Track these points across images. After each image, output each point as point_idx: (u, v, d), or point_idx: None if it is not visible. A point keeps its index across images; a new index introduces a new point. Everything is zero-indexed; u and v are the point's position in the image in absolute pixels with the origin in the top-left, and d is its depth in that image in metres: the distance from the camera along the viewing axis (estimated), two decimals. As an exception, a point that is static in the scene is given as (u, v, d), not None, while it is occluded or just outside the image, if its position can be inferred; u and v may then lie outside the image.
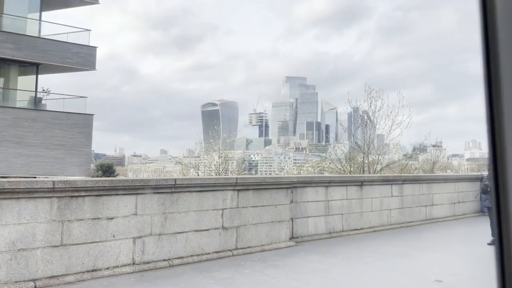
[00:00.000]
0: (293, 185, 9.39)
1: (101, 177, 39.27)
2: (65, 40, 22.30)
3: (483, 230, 9.51)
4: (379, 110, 23.98)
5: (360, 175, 18.49)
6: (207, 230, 7.71)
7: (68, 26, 22.21)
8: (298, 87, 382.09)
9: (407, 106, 23.55)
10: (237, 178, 8.30)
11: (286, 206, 9.05)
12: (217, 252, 7.79)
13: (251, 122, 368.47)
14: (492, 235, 9.61)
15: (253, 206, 8.46)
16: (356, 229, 10.84)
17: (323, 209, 10.15)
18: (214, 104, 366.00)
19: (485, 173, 16.55)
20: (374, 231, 11.11)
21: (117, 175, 64.25)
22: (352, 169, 24.64)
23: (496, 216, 0.39)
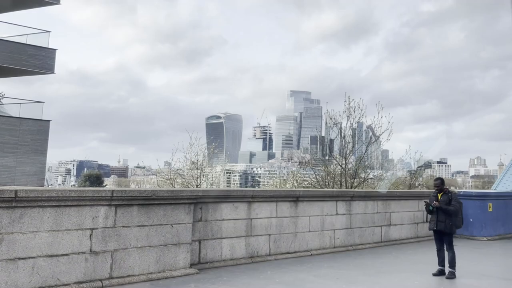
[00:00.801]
0: (200, 200, 7.88)
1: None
2: (24, 42, 21.10)
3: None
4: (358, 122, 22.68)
5: (294, 189, 16.81)
6: (67, 255, 6.20)
7: (26, 27, 20.96)
8: (303, 101, 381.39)
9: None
10: (113, 191, 6.78)
11: (187, 225, 7.53)
12: (81, 282, 6.27)
13: (255, 135, 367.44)
14: (440, 264, 8.01)
15: (138, 226, 6.95)
16: (289, 253, 9.27)
17: (244, 228, 8.61)
18: (219, 117, 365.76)
19: (460, 190, 14.98)
20: (311, 254, 9.53)
21: (105, 185, 62.70)
22: (330, 183, 23.10)
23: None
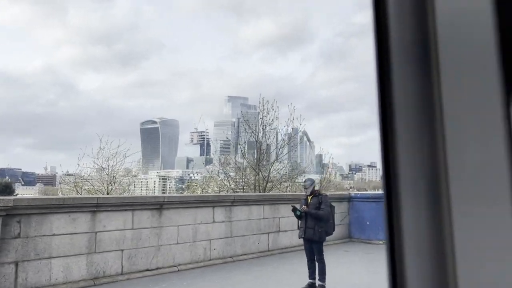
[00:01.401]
0: (16, 212, 6.30)
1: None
2: None
3: (334, 263, 6.95)
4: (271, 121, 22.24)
5: (158, 195, 15.65)
6: None
7: None
8: (240, 107, 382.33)
9: (298, 118, 22.09)
10: None
11: (-7, 244, 5.94)
12: None
13: (192, 141, 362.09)
14: (310, 276, 7.02)
15: None
16: (148, 270, 7.88)
17: (86, 244, 7.11)
18: (154, 122, 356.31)
19: (357, 192, 14.65)
20: (178, 270, 8.21)
21: (16, 195, 57.42)
22: (241, 187, 22.08)
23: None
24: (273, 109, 22.71)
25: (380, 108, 0.34)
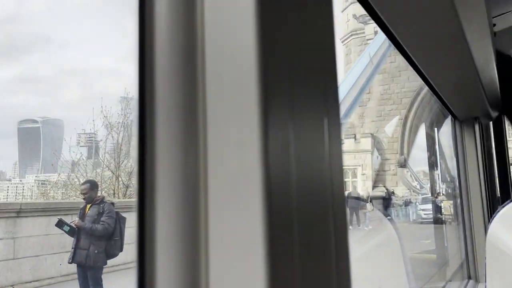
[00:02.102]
0: None
1: None
2: None
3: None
4: None
5: None
6: None
7: None
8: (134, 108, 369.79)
9: None
10: None
11: None
12: None
13: (79, 143, 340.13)
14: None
15: None
16: None
17: None
18: (35, 121, 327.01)
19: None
20: None
21: None
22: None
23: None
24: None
25: (140, 108, 0.33)
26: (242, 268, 0.28)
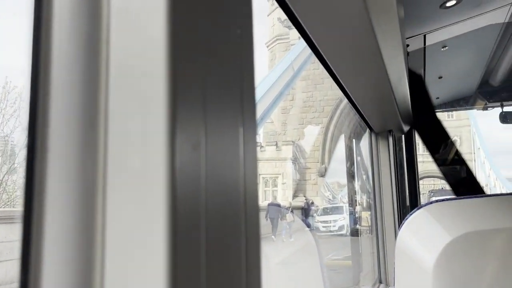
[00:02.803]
0: None
1: None
2: None
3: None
4: None
5: None
6: None
7: None
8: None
9: None
10: None
11: None
12: None
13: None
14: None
15: None
16: None
17: None
18: None
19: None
20: None
21: None
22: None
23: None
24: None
25: (32, 99, 0.30)
26: (141, 272, 0.27)
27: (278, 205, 17.34)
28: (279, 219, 16.27)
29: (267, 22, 30.46)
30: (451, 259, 1.46)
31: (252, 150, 0.37)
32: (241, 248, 0.33)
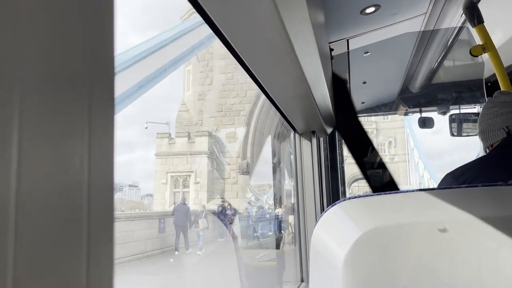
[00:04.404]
0: None
1: None
2: None
3: None
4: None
5: None
6: None
7: None
8: None
9: None
10: None
11: None
12: None
13: None
14: None
15: None
16: None
17: None
18: None
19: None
20: None
21: None
22: None
23: None
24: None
25: None
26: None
27: (187, 209, 14.96)
28: (188, 227, 14.44)
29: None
30: (361, 253, 1.50)
31: (104, 146, 0.30)
32: (81, 252, 0.27)
